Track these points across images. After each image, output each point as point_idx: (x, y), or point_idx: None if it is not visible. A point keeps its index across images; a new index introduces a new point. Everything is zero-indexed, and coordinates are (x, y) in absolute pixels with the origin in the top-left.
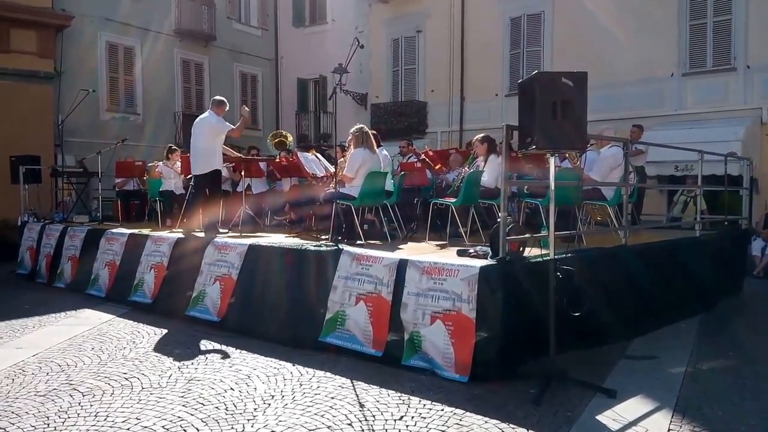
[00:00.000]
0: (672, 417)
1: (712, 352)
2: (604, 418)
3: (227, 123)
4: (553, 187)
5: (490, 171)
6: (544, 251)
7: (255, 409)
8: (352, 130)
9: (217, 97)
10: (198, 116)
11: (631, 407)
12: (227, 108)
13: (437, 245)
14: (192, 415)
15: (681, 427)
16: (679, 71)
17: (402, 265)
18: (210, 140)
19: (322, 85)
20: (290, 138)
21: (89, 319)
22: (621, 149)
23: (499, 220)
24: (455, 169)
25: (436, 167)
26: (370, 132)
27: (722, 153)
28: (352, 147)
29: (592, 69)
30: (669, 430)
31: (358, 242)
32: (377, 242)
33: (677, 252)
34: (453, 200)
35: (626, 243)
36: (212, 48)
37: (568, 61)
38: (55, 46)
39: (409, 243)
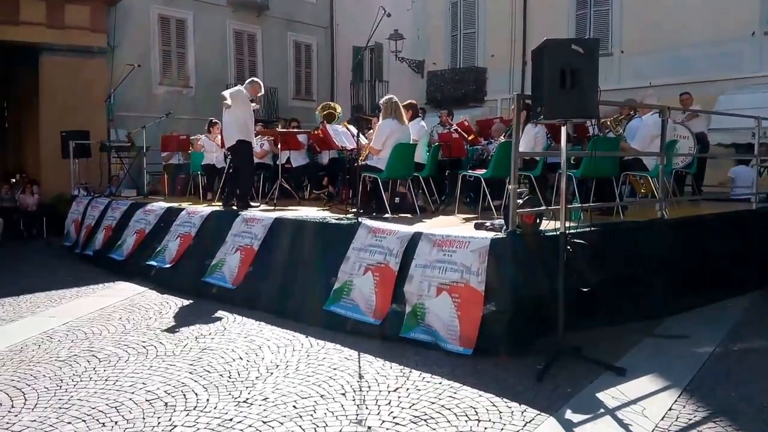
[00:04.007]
0: (678, 396)
1: (750, 333)
2: (605, 395)
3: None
4: (564, 158)
5: (526, 141)
6: (571, 224)
7: (257, 377)
8: (381, 101)
9: (253, 78)
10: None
11: (638, 386)
12: (261, 92)
13: (465, 219)
14: (195, 381)
15: (685, 406)
16: (761, 30)
17: (415, 238)
18: (241, 111)
19: (378, 52)
20: (339, 109)
21: (123, 291)
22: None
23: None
24: (497, 138)
25: (470, 138)
26: (400, 103)
27: None
28: (380, 118)
29: (662, 29)
30: (671, 409)
31: (386, 215)
32: (407, 215)
33: (725, 226)
34: (483, 172)
35: (663, 216)
36: (265, 18)
37: (637, 21)
38: (107, 20)
39: (440, 216)
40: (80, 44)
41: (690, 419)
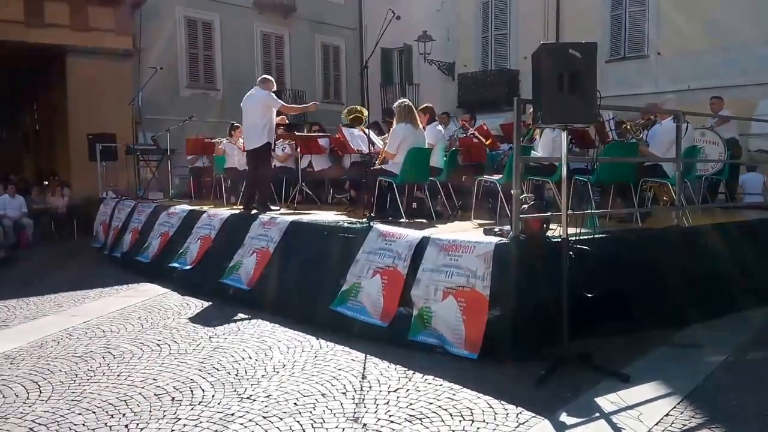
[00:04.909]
0: (678, 403)
1: (765, 343)
2: (603, 400)
3: (277, 99)
4: (564, 163)
5: (544, 146)
6: (587, 230)
7: (263, 375)
8: (395, 105)
9: (264, 75)
10: (274, 91)
11: (639, 392)
12: (274, 87)
13: (479, 224)
14: (203, 378)
15: (682, 412)
16: None
17: (423, 242)
18: (262, 114)
19: (407, 54)
20: (366, 113)
21: (146, 292)
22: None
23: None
24: None
25: (488, 142)
26: (413, 106)
27: None
28: (394, 122)
29: (705, 29)
30: (667, 414)
31: (401, 220)
32: (423, 221)
33: (744, 234)
34: (498, 177)
35: (679, 224)
36: (292, 19)
37: (677, 22)
38: (133, 23)
39: (455, 222)
40: (105, 47)
41: (685, 425)
